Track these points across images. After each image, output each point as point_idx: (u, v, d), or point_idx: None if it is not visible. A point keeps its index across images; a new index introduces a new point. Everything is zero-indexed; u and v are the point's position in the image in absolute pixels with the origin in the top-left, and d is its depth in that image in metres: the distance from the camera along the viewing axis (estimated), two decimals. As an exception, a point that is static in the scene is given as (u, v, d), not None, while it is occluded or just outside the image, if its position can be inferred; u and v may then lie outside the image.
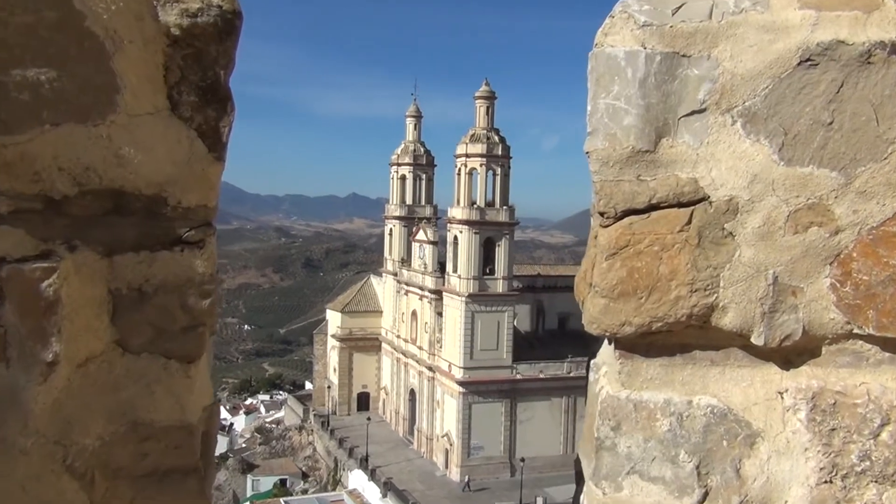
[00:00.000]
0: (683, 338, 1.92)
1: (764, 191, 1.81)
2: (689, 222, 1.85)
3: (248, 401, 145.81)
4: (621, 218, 1.89)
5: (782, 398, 1.86)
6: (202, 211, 1.85)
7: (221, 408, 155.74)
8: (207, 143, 1.81)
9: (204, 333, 1.89)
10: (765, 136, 1.82)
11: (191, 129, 1.79)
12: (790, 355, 1.89)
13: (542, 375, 67.27)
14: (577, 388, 68.24)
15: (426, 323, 74.17)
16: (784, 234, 1.81)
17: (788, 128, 1.81)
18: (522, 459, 62.48)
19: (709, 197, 1.84)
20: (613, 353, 2.00)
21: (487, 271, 67.07)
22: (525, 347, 68.59)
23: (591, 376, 2.11)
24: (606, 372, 2.03)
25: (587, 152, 1.92)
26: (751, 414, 1.88)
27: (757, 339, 1.85)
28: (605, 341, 2.08)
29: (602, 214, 1.92)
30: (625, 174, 1.88)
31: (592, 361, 2.17)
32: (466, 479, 62.61)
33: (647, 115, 1.86)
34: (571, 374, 67.96)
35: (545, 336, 72.77)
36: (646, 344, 1.94)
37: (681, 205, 1.86)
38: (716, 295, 1.85)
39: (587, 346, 70.11)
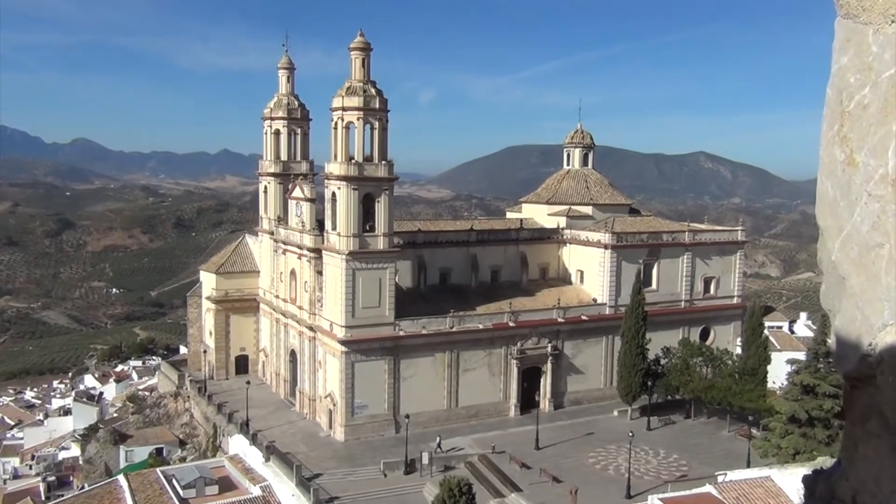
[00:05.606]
0: None
1: None
2: None
3: (119, 367, 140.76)
4: None
5: None
6: None
7: (90, 376, 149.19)
8: None
9: None
10: None
11: None
12: None
13: (424, 331, 67.09)
14: (459, 342, 68.56)
15: (306, 282, 72.43)
16: None
17: None
18: (407, 416, 62.45)
19: None
20: None
21: (367, 228, 65.77)
22: (407, 304, 68.13)
23: None
24: None
25: None
26: None
27: None
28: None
29: None
30: None
31: None
32: (438, 440, 61.45)
33: None
34: (454, 329, 68.13)
35: (427, 291, 72.58)
36: None
37: None
38: None
39: (467, 299, 70.75)
